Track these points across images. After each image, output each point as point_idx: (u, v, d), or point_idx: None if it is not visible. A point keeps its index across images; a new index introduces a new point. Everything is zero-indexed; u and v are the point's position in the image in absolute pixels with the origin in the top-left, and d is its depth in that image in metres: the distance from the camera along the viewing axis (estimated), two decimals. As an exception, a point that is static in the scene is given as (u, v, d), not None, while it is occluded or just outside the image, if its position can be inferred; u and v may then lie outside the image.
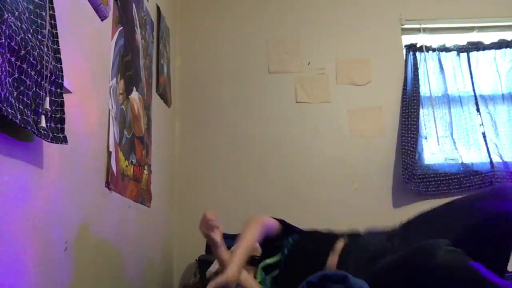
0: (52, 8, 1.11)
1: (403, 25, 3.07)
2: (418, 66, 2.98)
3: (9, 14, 0.89)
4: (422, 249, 1.09)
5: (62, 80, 1.12)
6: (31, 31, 0.99)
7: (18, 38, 0.91)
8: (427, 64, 2.99)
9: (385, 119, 2.94)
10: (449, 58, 3.02)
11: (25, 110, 0.96)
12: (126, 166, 1.75)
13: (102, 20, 1.55)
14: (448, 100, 2.94)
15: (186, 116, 2.95)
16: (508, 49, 3.00)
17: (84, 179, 1.37)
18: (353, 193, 2.81)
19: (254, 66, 3.02)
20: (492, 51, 3.01)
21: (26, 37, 0.95)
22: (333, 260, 1.37)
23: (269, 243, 1.51)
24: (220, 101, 2.96)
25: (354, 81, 2.99)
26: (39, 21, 1.04)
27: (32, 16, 1.01)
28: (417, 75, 2.95)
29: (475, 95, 2.92)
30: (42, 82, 1.03)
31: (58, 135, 1.10)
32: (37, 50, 1.00)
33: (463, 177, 2.78)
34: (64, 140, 1.12)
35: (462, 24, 3.10)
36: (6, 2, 0.89)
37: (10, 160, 0.97)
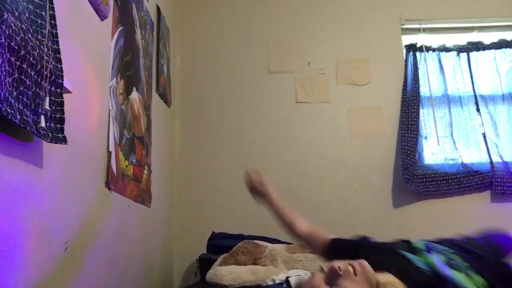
0: (52, 8, 1.11)
1: (403, 25, 3.07)
2: (418, 66, 2.97)
3: (9, 14, 0.89)
4: None
5: (62, 80, 1.12)
6: (31, 31, 0.99)
7: (18, 38, 0.91)
8: (427, 64, 2.99)
9: (385, 119, 2.94)
10: (449, 58, 3.02)
11: (25, 110, 0.96)
12: (126, 166, 1.75)
13: (102, 20, 1.55)
14: (448, 100, 2.94)
15: (186, 116, 2.95)
16: (508, 49, 3.00)
17: (84, 179, 1.37)
18: (353, 193, 2.81)
19: (254, 66, 3.02)
20: (492, 51, 3.00)
21: (26, 37, 0.95)
22: None
23: None
24: (220, 101, 2.96)
25: (354, 81, 2.99)
26: (39, 21, 1.04)
27: (32, 16, 1.01)
28: (417, 75, 2.95)
29: (475, 95, 2.92)
30: (42, 82, 1.03)
31: (57, 135, 1.10)
32: (37, 50, 1.00)
33: (463, 177, 2.78)
34: (63, 140, 1.12)
35: (462, 24, 3.10)
36: (6, 2, 0.89)
37: (10, 160, 0.97)
